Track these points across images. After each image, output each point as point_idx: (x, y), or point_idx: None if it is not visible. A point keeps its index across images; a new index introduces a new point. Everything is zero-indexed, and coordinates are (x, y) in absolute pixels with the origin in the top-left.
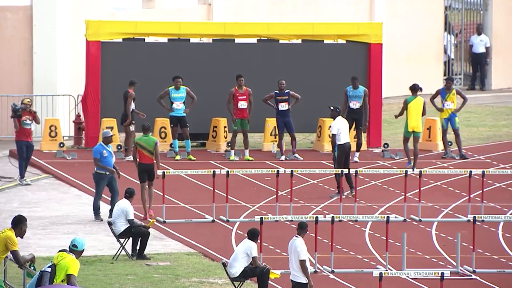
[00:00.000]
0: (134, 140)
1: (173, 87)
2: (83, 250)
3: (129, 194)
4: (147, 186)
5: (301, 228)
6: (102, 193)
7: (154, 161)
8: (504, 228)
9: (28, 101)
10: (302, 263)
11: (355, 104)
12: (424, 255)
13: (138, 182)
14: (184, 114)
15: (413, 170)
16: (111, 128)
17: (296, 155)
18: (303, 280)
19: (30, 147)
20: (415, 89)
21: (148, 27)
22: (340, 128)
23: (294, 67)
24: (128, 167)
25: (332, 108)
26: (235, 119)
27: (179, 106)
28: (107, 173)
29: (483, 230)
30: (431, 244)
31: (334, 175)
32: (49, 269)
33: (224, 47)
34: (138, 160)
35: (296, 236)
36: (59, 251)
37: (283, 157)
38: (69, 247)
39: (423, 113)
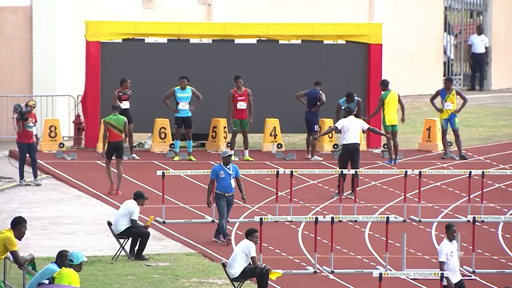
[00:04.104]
0: (104, 120)
1: (179, 87)
2: (81, 263)
3: (135, 196)
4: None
5: (448, 229)
6: (225, 212)
7: (122, 139)
8: (504, 228)
9: (33, 104)
10: (439, 264)
11: None
12: (424, 255)
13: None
14: (190, 114)
15: (395, 162)
16: None
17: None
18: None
19: (32, 148)
20: (386, 84)
21: (148, 28)
22: (345, 126)
23: (294, 68)
24: (127, 167)
25: (343, 108)
26: (233, 121)
27: (184, 107)
28: (226, 194)
29: (483, 230)
30: (431, 244)
31: (337, 174)
32: (47, 281)
33: (223, 48)
34: (108, 138)
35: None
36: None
37: (314, 157)
38: (67, 263)
39: (402, 106)
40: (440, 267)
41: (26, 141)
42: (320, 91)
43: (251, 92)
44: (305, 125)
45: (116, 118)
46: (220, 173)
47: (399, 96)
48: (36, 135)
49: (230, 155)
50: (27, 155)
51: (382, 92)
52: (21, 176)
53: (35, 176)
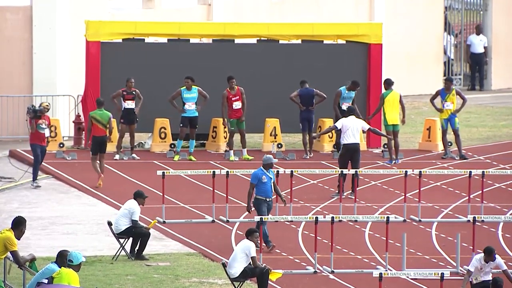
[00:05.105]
0: (89, 114)
1: (185, 87)
2: (80, 264)
3: (134, 196)
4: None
5: (489, 254)
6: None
7: (106, 134)
8: (504, 228)
9: (47, 105)
10: (467, 271)
11: (346, 106)
12: (424, 255)
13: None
14: (196, 114)
15: (395, 162)
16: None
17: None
18: None
19: (43, 151)
20: (389, 83)
21: (148, 28)
22: (345, 126)
23: (294, 68)
24: (127, 167)
25: (345, 109)
26: (228, 121)
27: (191, 107)
28: (267, 199)
29: (483, 230)
30: (431, 244)
31: (337, 174)
32: (46, 281)
33: (224, 48)
34: (92, 133)
35: None
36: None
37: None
38: (67, 263)
39: (403, 106)
40: (466, 275)
41: (39, 143)
42: (314, 89)
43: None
44: (305, 126)
45: (101, 113)
46: (263, 178)
47: (400, 96)
48: (47, 137)
49: (273, 162)
50: (38, 155)
51: (384, 91)
52: (34, 177)
53: (34, 178)
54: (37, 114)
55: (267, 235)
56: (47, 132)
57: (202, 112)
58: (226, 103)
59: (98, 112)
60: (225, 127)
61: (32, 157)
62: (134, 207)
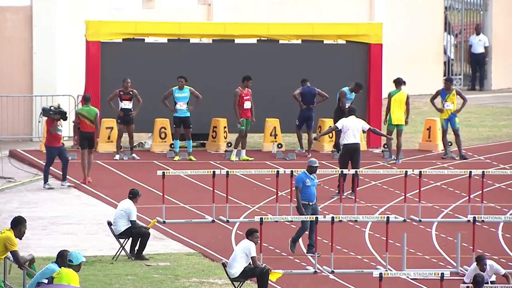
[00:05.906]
0: (77, 110)
1: (177, 87)
2: (80, 263)
3: (132, 195)
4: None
5: (479, 261)
6: (307, 226)
7: (94, 130)
8: (504, 228)
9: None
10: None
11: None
12: (424, 255)
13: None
14: (188, 114)
15: (396, 162)
16: (111, 128)
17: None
18: None
19: (62, 151)
20: (399, 82)
21: (148, 28)
22: (346, 126)
23: (294, 68)
24: (127, 167)
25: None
26: (240, 120)
27: (182, 107)
28: (311, 203)
29: (483, 230)
30: (431, 244)
31: (338, 174)
32: (46, 281)
33: (224, 48)
34: (80, 129)
35: None
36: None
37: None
38: (67, 263)
39: (408, 108)
40: (462, 283)
41: (56, 145)
42: (316, 88)
43: (250, 91)
44: (302, 124)
45: (88, 109)
46: (306, 182)
47: (407, 97)
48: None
49: (317, 166)
50: (52, 158)
51: (392, 90)
52: (45, 180)
53: (64, 178)
54: (65, 116)
55: (296, 241)
56: (62, 133)
57: (202, 111)
58: (237, 102)
59: (85, 109)
60: (225, 127)
61: (44, 160)
62: (130, 207)
